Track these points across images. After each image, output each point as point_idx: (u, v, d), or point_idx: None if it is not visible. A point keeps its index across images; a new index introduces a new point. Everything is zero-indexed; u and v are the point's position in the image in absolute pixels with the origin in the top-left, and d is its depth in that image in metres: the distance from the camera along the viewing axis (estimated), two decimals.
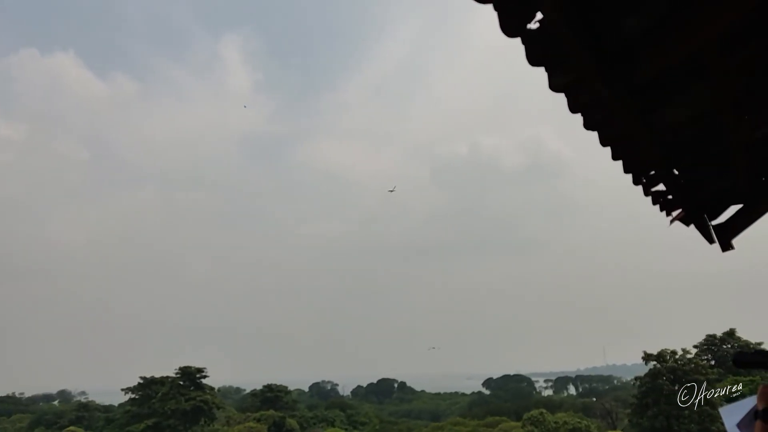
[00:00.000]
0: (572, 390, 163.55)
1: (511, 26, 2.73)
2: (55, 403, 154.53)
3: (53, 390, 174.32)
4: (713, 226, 5.62)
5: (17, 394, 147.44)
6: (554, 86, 3.40)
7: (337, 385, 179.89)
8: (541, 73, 3.42)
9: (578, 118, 3.91)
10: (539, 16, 2.79)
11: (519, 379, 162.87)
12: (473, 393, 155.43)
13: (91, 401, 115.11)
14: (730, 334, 67.51)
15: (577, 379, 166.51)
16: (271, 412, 76.53)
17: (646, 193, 5.13)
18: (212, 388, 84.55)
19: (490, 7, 2.69)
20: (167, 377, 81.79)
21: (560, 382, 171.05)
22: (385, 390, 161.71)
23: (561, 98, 3.69)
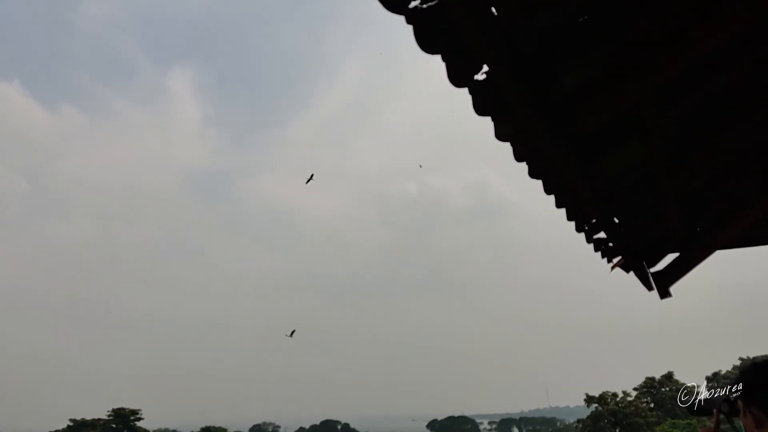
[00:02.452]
0: None
1: (458, 77, 2.77)
2: None
3: None
4: (652, 274, 5.79)
5: None
6: (500, 135, 3.47)
7: (278, 427, 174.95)
8: (487, 119, 3.49)
9: (524, 165, 4.00)
10: (485, 67, 2.86)
11: (463, 420, 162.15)
12: None
13: None
14: (669, 377, 69.35)
15: (521, 421, 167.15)
16: None
17: (588, 240, 5.25)
18: (146, 431, 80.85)
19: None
20: (99, 419, 77.91)
21: (504, 424, 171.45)
22: None
23: (507, 145, 3.77)
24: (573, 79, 3.06)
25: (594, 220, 4.93)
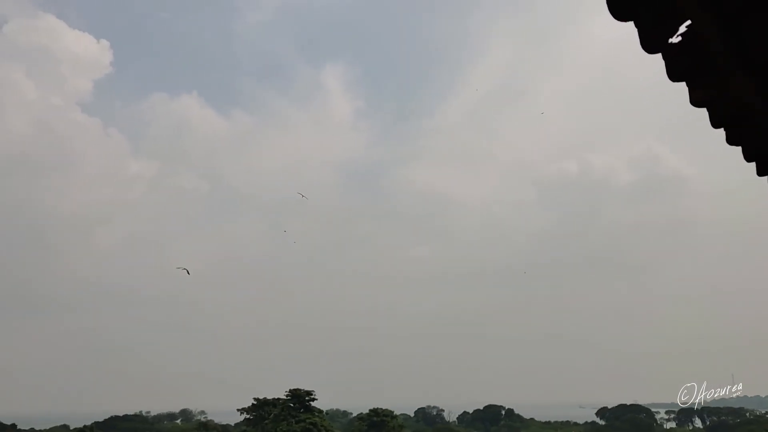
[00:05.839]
0: (698, 423, 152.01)
1: (653, 42, 2.63)
2: (178, 422, 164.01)
3: (176, 409, 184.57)
4: None
5: (144, 413, 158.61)
6: (695, 101, 3.23)
7: (443, 410, 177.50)
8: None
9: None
10: (681, 29, 2.68)
11: (637, 409, 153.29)
12: (586, 423, 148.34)
13: (210, 420, 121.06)
14: None
15: (704, 411, 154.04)
16: None
17: None
18: (321, 411, 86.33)
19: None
20: (278, 399, 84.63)
21: (684, 414, 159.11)
22: (492, 417, 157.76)
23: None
24: None
25: None
